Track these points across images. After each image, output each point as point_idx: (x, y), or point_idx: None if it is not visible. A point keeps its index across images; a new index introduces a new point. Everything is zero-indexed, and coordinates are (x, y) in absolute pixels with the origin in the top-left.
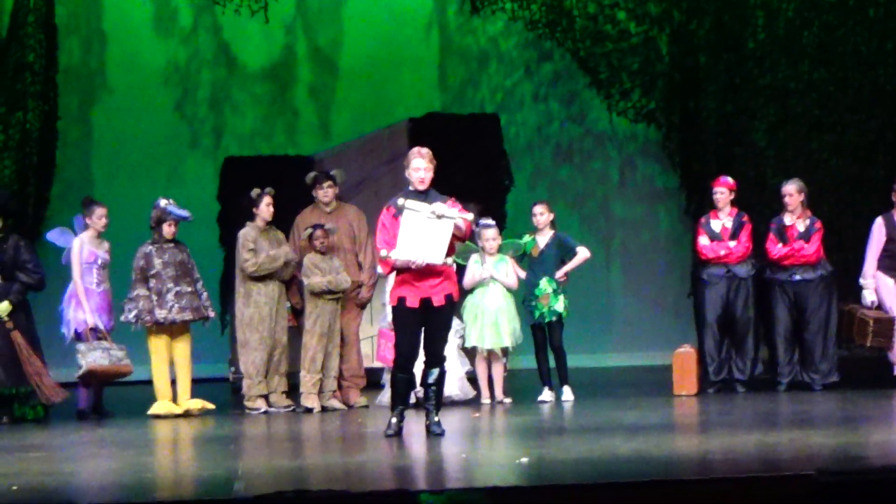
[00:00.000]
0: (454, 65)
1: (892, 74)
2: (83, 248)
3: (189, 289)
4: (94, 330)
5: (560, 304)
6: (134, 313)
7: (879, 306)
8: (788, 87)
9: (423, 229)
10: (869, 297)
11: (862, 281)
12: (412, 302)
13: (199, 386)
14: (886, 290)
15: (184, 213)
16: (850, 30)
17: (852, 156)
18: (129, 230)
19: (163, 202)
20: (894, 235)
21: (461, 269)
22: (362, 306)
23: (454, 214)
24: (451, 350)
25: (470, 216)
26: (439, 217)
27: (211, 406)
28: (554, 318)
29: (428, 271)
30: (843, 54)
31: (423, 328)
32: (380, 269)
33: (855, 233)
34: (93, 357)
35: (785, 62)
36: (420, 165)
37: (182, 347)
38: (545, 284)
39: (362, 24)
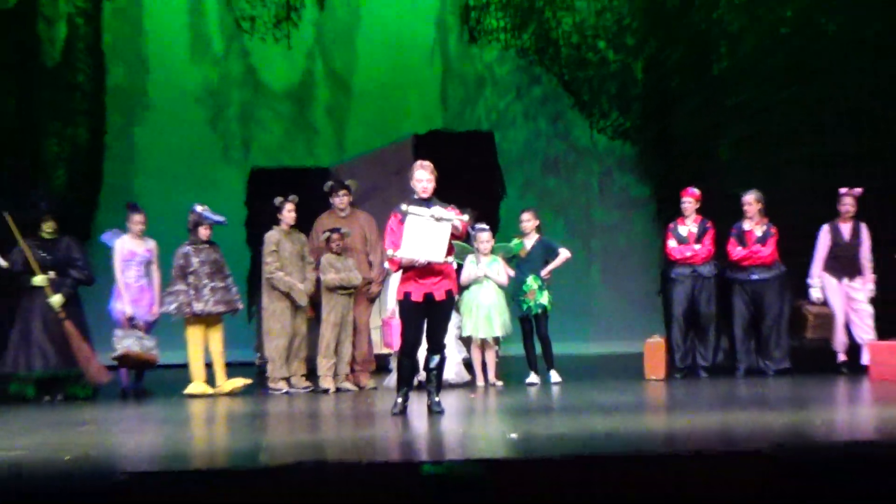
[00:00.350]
0: (454, 87)
1: (850, 97)
2: (123, 247)
3: (222, 284)
4: (131, 319)
5: (545, 299)
6: (174, 305)
7: (825, 303)
8: (751, 108)
9: (425, 231)
10: (815, 294)
11: (809, 281)
12: (416, 297)
13: (228, 369)
14: (831, 290)
15: (218, 217)
16: (808, 56)
17: (811, 170)
18: (167, 232)
19: (199, 208)
20: (838, 241)
21: (459, 269)
22: (372, 300)
23: (451, 216)
24: (450, 339)
25: (466, 217)
26: (438, 220)
27: (249, 381)
28: (540, 311)
29: (430, 269)
30: (802, 78)
31: (425, 319)
32: (388, 267)
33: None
34: (127, 343)
35: (747, 85)
36: (423, 177)
37: (216, 336)
38: (531, 281)
39: (373, 50)
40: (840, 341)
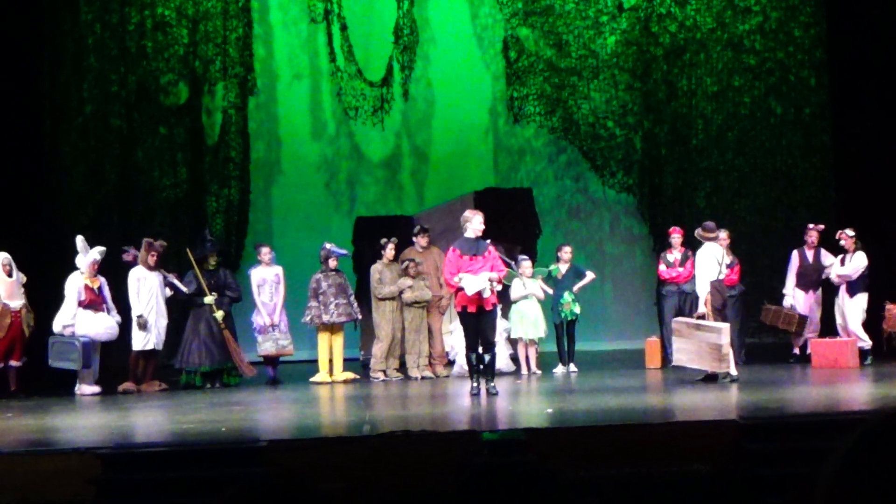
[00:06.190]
0: (502, 156)
1: (787, 162)
2: (258, 275)
3: (344, 301)
4: (273, 326)
5: (577, 309)
6: (309, 317)
7: (793, 309)
8: (718, 169)
9: (480, 282)
10: (787, 302)
11: (784, 292)
12: (471, 308)
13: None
14: (800, 299)
15: (343, 251)
16: (758, 132)
17: (761, 214)
18: (295, 262)
19: (328, 245)
20: (804, 263)
21: (506, 288)
22: (443, 311)
23: (494, 276)
24: (500, 340)
25: (501, 275)
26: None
27: (357, 376)
28: (573, 318)
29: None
30: (754, 148)
31: (478, 323)
32: (447, 288)
33: (763, 263)
34: (266, 346)
35: (716, 153)
36: (481, 222)
37: (338, 339)
38: (567, 296)
39: (444, 129)
40: (801, 339)
